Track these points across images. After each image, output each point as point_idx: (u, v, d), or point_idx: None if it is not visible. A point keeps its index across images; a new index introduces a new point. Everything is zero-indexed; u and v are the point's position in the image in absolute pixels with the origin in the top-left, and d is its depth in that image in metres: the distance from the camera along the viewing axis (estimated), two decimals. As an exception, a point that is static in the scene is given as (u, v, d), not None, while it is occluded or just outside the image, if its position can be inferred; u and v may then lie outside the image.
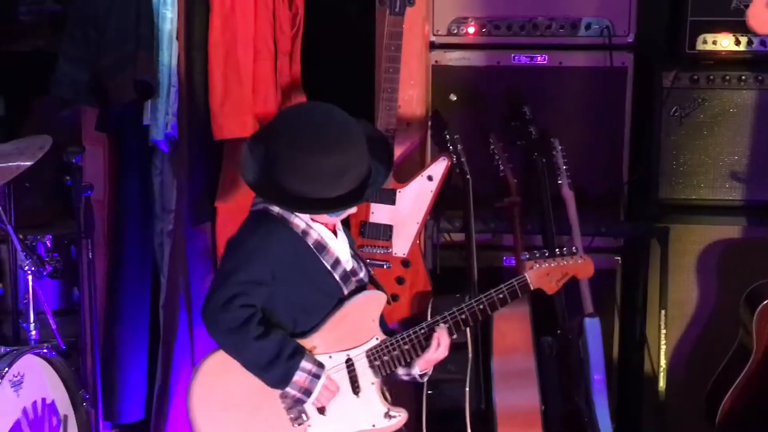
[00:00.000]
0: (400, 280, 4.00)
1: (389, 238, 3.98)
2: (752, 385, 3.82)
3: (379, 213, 3.98)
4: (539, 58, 4.08)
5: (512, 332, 3.77)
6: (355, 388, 2.94)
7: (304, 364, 2.85)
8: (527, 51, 4.09)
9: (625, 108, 4.11)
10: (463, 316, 3.01)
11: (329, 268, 2.92)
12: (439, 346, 2.98)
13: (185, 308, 4.12)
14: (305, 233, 2.90)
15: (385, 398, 3.01)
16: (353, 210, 2.94)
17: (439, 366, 3.10)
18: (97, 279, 3.85)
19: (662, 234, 4.08)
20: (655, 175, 4.14)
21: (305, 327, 2.92)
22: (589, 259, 3.13)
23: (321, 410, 2.92)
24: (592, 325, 3.85)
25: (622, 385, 4.21)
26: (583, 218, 3.98)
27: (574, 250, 3.12)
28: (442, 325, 3.01)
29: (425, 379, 3.08)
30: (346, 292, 2.96)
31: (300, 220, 2.90)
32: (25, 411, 3.38)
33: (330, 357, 2.92)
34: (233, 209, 3.95)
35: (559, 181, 3.99)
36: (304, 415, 2.91)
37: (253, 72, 3.98)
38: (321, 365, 2.89)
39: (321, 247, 2.91)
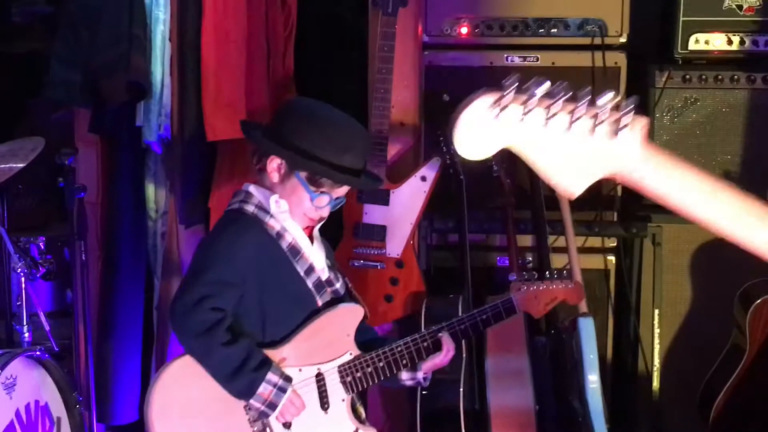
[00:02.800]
0: (393, 281, 4.00)
1: (383, 238, 3.98)
2: (745, 384, 3.82)
3: (372, 214, 3.98)
4: (532, 58, 4.06)
5: (506, 332, 3.76)
6: (324, 403, 2.85)
7: (270, 376, 2.76)
8: (520, 51, 4.07)
9: (618, 108, 4.11)
10: (425, 344, 2.94)
11: (303, 274, 2.84)
12: (449, 352, 2.95)
13: (179, 310, 4.11)
14: (279, 236, 2.83)
15: (357, 416, 2.93)
16: (342, 191, 2.84)
17: (400, 384, 3.07)
18: (90, 281, 3.84)
19: (655, 234, 4.09)
20: (648, 175, 4.15)
21: (275, 336, 2.84)
22: (579, 285, 3.09)
23: (286, 425, 2.83)
24: (586, 325, 3.80)
25: (616, 384, 4.20)
26: (576, 218, 3.97)
27: (565, 274, 3.08)
28: (444, 331, 2.95)
29: (427, 383, 3.03)
30: (320, 302, 2.89)
31: (275, 221, 2.83)
32: (18, 413, 3.36)
33: (300, 370, 2.84)
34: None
35: None
36: (268, 429, 2.82)
37: (245, 73, 3.96)
38: (288, 378, 2.80)
39: (295, 251, 2.85)
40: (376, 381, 2.90)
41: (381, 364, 2.88)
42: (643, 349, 4.13)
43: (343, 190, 2.86)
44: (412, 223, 3.98)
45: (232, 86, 3.94)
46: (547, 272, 3.09)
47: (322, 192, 2.82)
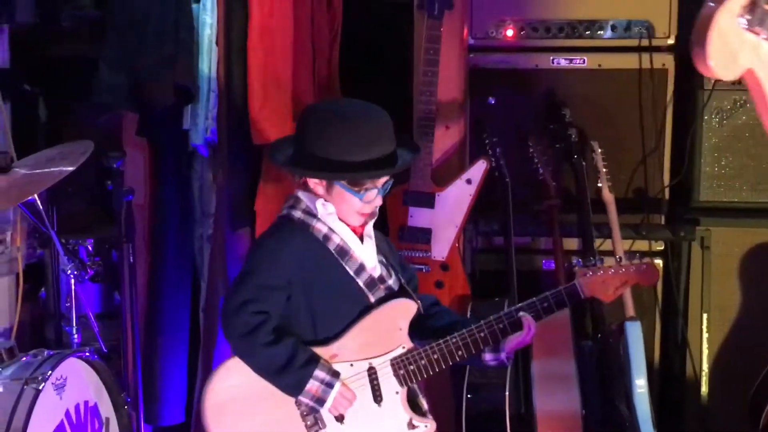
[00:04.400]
0: (439, 284, 4.02)
1: (428, 241, 4.00)
2: (797, 390, 3.83)
3: (417, 217, 4.00)
4: (578, 61, 4.08)
5: (552, 336, 3.76)
6: (377, 396, 2.88)
7: (318, 372, 2.81)
8: (566, 53, 4.10)
9: (666, 110, 4.10)
10: (501, 326, 2.91)
11: (352, 274, 2.87)
12: (530, 330, 2.89)
13: (225, 312, 4.13)
14: (327, 238, 2.86)
15: (415, 408, 2.94)
16: (381, 179, 2.84)
17: (479, 370, 3.07)
18: (137, 283, 3.86)
19: (703, 237, 4.09)
20: (696, 178, 4.14)
21: (327, 334, 2.87)
22: (652, 265, 2.99)
23: (339, 418, 2.86)
24: (633, 329, 3.83)
25: (664, 389, 4.20)
26: (623, 221, 3.98)
27: (637, 257, 3.00)
28: (524, 312, 2.91)
29: (510, 362, 3.00)
30: (372, 299, 2.89)
31: (322, 224, 2.85)
32: (68, 414, 3.40)
33: (351, 365, 2.87)
34: (272, 214, 3.85)
35: (599, 184, 3.99)
36: (320, 422, 2.85)
37: (291, 76, 4.00)
38: (336, 374, 2.84)
39: (344, 252, 2.87)
40: (432, 373, 2.90)
41: (435, 356, 2.88)
42: (691, 353, 4.13)
43: (384, 178, 2.89)
44: (457, 226, 4.00)
45: (278, 89, 3.97)
46: (617, 257, 3.03)
47: (366, 189, 2.85)
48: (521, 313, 2.91)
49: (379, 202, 2.89)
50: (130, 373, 3.79)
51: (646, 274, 2.97)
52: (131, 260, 3.75)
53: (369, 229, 2.95)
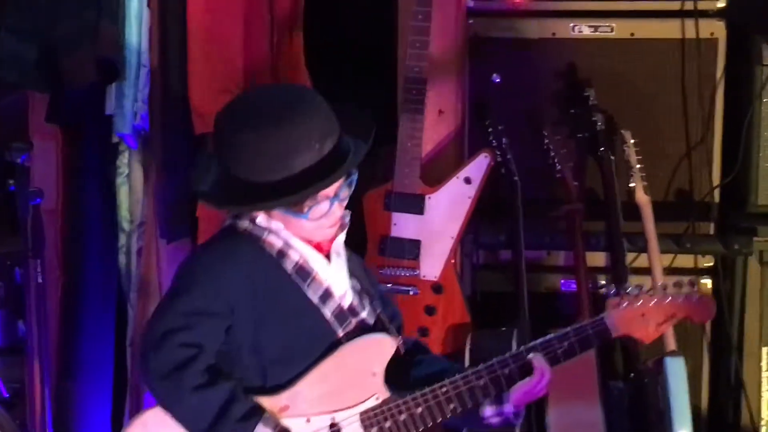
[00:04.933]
0: (430, 310, 3.98)
1: (416, 256, 3.98)
2: None
3: (402, 225, 3.97)
4: (605, 29, 4.07)
5: (573, 376, 3.71)
6: None
7: (260, 429, 2.74)
8: (590, 19, 4.09)
9: (715, 91, 4.09)
10: (506, 371, 2.86)
11: (316, 302, 2.82)
12: (543, 377, 2.86)
13: (160, 346, 4.11)
14: (282, 255, 2.81)
15: None
16: (328, 189, 2.78)
17: (483, 423, 3.00)
18: (48, 309, 3.82)
19: (762, 251, 4.09)
20: (753, 177, 4.12)
21: (279, 379, 2.80)
22: (708, 298, 2.94)
23: None
24: (675, 366, 3.83)
25: (713, 442, 4.14)
26: (662, 231, 3.96)
27: (687, 283, 2.94)
28: (535, 353, 2.86)
29: (520, 420, 2.96)
30: (341, 334, 2.85)
31: (276, 238, 2.82)
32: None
33: (308, 420, 2.80)
34: (219, 221, 3.85)
35: (632, 184, 3.99)
36: None
37: (243, 50, 3.98)
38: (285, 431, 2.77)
39: (304, 273, 2.82)
40: (413, 431, 2.84)
41: (419, 410, 2.84)
42: (747, 396, 4.11)
43: (335, 185, 2.82)
44: (453, 236, 3.97)
45: (226, 64, 3.94)
46: (659, 283, 2.96)
47: (309, 207, 2.79)
48: (532, 355, 2.86)
49: (337, 212, 2.83)
50: (38, 424, 3.75)
51: (698, 307, 2.91)
52: (39, 280, 3.70)
53: (338, 244, 2.88)
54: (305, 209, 2.77)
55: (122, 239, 4.17)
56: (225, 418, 2.72)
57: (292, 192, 2.73)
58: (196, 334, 2.74)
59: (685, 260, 4.10)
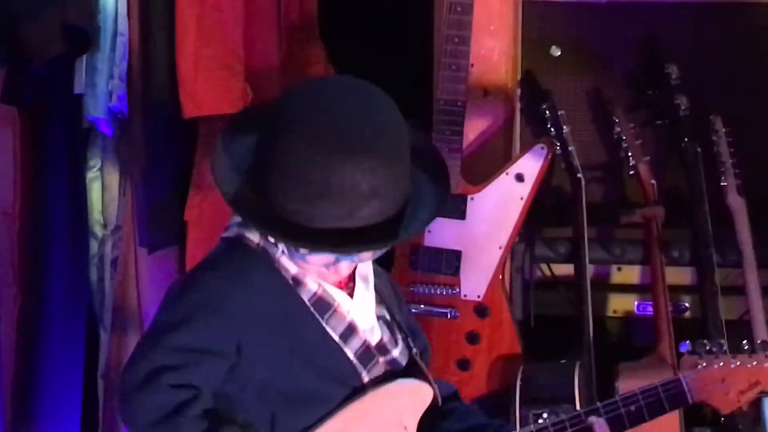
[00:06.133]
0: (472, 338, 4.01)
1: (455, 271, 4.00)
2: None
3: (439, 232, 3.98)
4: (692, -12, 4.06)
5: (650, 423, 3.73)
6: None
7: None
8: (674, -22, 4.06)
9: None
10: None
11: (337, 339, 2.80)
12: None
13: (139, 378, 4.13)
14: (298, 282, 2.81)
15: None
16: (367, 257, 2.79)
17: None
18: (2, 333, 3.88)
19: None
20: None
21: (290, 429, 2.78)
22: None
23: None
24: None
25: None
26: (762, 240, 3.97)
27: None
28: (596, 417, 2.89)
29: None
30: (366, 378, 2.84)
31: (290, 263, 2.81)
32: None
33: None
34: (212, 227, 3.89)
35: (723, 182, 4.02)
36: None
37: (243, 15, 4.01)
38: None
39: (324, 305, 2.79)
40: None
41: None
42: None
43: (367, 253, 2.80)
44: (501, 247, 3.99)
45: (222, 33, 3.96)
46: (744, 343, 2.95)
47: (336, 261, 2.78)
48: (592, 419, 2.88)
49: (343, 271, 2.80)
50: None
51: None
52: (-8, 298, 3.73)
53: (363, 267, 2.87)
54: (301, 251, 2.76)
55: (94, 248, 4.19)
56: None
57: (341, 245, 2.69)
58: (192, 374, 2.72)
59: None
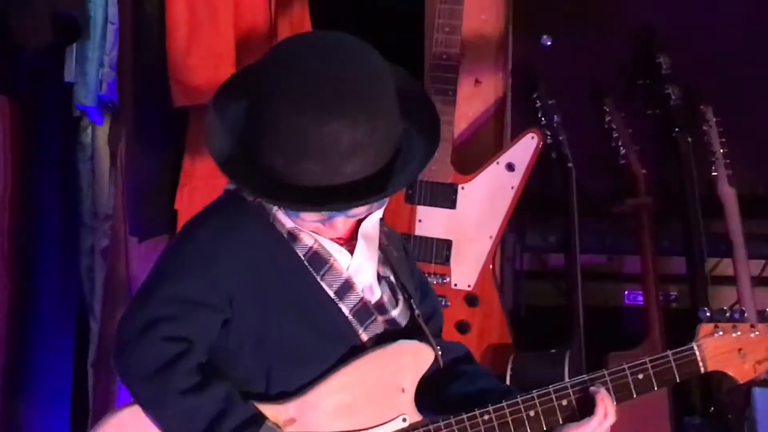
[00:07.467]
0: (462, 327, 4.01)
1: (446, 260, 4.01)
2: None
3: (429, 222, 4.01)
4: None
5: (640, 411, 3.72)
6: None
7: None
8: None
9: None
10: (564, 402, 2.84)
11: (332, 295, 2.81)
12: (605, 418, 2.83)
13: (128, 367, 4.14)
14: (294, 236, 2.81)
15: None
16: (359, 212, 2.79)
17: None
18: (-8, 323, 3.85)
19: None
20: None
21: (286, 385, 2.80)
22: None
23: None
24: (765, 399, 3.84)
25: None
26: (753, 230, 3.99)
27: None
28: (599, 386, 2.84)
29: None
30: (364, 337, 2.84)
31: (286, 216, 2.81)
32: None
33: None
34: None
35: (714, 173, 4.04)
36: None
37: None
38: None
39: (320, 260, 2.80)
40: None
41: None
42: None
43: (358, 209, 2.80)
44: (491, 236, 4.00)
45: (213, 21, 3.96)
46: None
47: (329, 217, 2.78)
48: (594, 387, 2.85)
49: (339, 226, 2.80)
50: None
51: None
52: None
53: (368, 225, 2.86)
54: (324, 218, 2.78)
55: (84, 236, 4.19)
56: (219, 426, 2.73)
57: (328, 202, 2.70)
58: (185, 326, 2.73)
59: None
